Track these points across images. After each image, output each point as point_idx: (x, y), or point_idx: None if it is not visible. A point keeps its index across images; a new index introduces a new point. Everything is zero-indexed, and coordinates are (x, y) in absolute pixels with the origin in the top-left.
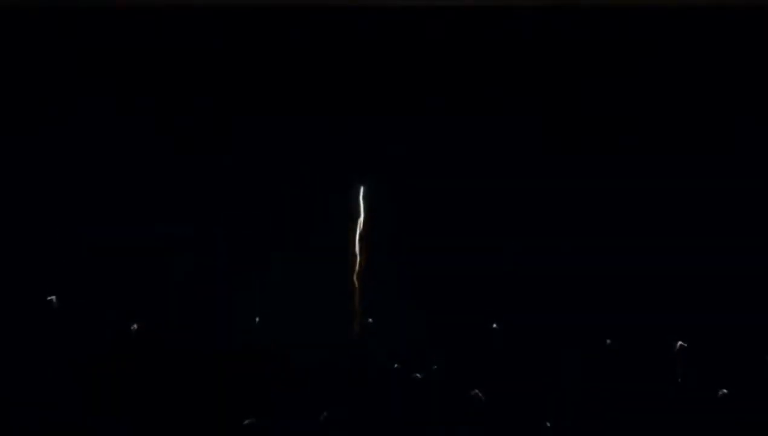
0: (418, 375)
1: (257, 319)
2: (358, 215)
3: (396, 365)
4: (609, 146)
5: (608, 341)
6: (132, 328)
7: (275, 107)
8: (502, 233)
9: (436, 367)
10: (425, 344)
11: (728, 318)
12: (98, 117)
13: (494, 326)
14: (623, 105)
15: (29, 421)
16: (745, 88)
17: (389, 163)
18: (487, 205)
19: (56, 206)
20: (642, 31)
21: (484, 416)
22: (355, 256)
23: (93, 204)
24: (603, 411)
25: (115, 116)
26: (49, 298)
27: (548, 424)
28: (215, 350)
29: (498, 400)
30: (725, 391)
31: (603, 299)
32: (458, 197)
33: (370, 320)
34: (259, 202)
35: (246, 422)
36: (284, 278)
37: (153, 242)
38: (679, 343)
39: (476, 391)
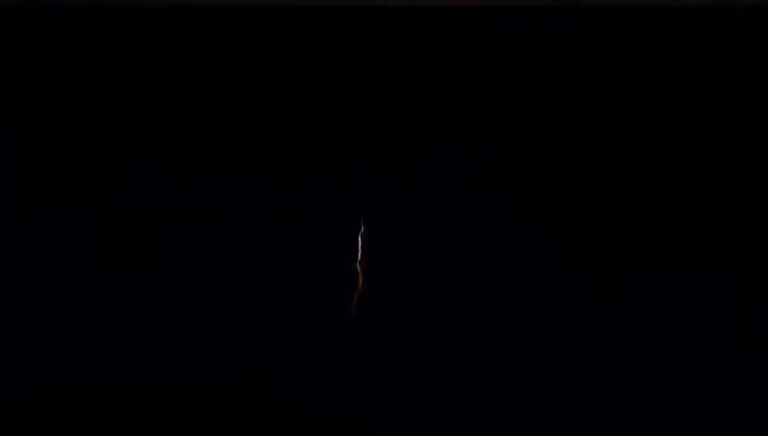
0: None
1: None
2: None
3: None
4: (609, 154)
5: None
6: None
7: (275, 117)
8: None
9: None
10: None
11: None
12: (97, 118)
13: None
14: (622, 106)
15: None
16: (745, 88)
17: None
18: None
19: (54, 207)
20: (641, 31)
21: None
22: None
23: (89, 206)
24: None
25: (114, 118)
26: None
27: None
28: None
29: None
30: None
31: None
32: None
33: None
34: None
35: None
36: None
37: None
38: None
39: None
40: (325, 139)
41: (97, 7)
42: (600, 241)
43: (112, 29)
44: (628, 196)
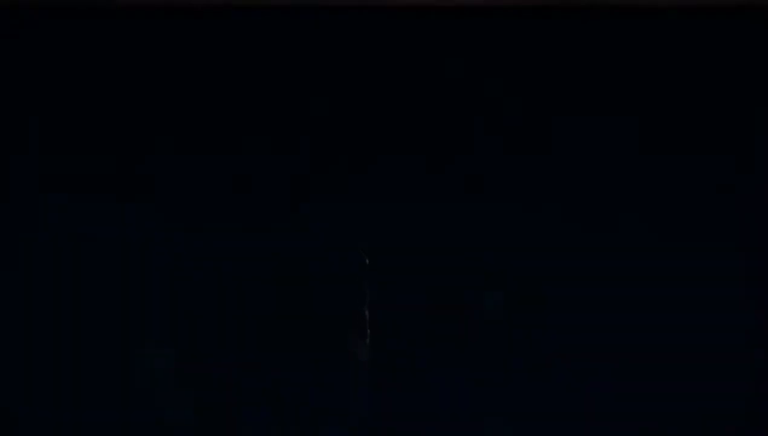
0: None
1: None
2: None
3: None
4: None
5: None
6: None
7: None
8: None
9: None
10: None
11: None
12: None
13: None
14: (622, 106)
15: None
16: (745, 88)
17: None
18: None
19: (58, 205)
20: (640, 31)
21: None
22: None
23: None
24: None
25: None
26: None
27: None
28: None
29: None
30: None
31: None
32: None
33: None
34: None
35: None
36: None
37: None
38: None
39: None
40: (325, 140)
41: (97, 6)
42: (600, 240)
43: (112, 29)
44: (628, 196)
